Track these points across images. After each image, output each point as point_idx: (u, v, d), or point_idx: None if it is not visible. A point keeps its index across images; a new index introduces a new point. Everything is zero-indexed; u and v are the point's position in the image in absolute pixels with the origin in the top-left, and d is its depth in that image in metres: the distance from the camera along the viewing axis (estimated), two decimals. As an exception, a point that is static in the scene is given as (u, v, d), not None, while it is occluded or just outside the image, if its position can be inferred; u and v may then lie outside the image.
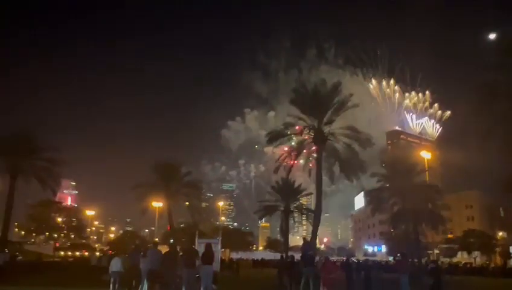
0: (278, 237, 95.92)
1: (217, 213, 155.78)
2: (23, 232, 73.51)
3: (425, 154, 52.33)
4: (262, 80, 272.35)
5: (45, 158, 35.83)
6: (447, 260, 62.50)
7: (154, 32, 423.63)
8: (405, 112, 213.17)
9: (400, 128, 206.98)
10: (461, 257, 66.95)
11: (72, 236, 67.77)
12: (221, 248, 32.40)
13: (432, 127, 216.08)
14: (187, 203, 46.11)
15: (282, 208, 49.62)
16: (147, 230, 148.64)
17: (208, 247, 14.04)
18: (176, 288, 13.80)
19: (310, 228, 35.02)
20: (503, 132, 23.33)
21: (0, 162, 34.11)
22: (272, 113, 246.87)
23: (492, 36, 33.51)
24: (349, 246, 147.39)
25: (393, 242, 65.33)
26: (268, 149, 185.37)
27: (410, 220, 40.28)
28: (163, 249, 15.30)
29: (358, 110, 36.06)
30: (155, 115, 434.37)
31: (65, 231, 64.05)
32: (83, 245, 76.54)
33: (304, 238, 27.21)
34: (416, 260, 38.44)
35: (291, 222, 51.60)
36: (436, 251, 72.60)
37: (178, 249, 17.30)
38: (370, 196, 47.45)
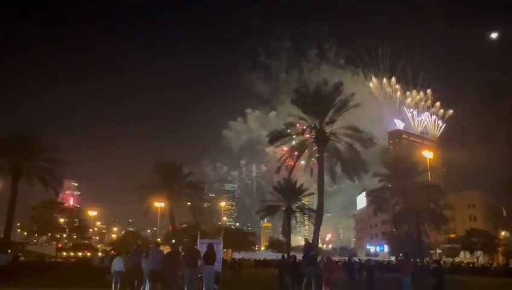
0: (280, 237, 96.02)
1: (218, 213, 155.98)
2: (25, 233, 73.60)
3: (427, 154, 52.25)
4: (264, 79, 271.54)
5: (47, 159, 35.87)
6: (449, 259, 62.41)
7: (155, 32, 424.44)
8: (406, 108, 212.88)
9: (401, 127, 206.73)
10: (464, 257, 66.81)
11: (75, 237, 67.79)
12: (223, 248, 32.41)
13: (434, 124, 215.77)
14: (189, 203, 46.11)
15: (284, 208, 49.61)
16: (149, 230, 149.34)
17: (210, 247, 14.06)
18: (177, 288, 13.79)
19: (312, 228, 34.95)
20: (505, 131, 23.29)
21: (2, 163, 34.21)
22: (273, 113, 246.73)
23: (493, 35, 33.44)
24: (351, 246, 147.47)
25: (396, 242, 65.17)
26: (270, 149, 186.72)
27: (413, 220, 40.14)
28: (165, 249, 15.30)
29: (360, 110, 36.06)
30: (156, 115, 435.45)
31: (67, 232, 64.07)
32: (85, 246, 76.62)
33: (306, 239, 27.22)
34: (418, 260, 38.35)
35: (293, 222, 51.58)
36: (439, 251, 72.54)
37: (180, 250, 17.30)
38: (372, 195, 47.42)
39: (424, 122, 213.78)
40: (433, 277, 16.77)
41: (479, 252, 63.33)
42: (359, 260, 43.97)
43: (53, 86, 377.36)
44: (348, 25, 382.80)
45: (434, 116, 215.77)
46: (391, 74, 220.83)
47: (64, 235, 65.46)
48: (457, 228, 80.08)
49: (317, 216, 32.77)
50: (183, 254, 14.81)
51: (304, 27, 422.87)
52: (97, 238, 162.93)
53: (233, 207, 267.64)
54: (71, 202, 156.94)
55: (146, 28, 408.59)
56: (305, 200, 57.73)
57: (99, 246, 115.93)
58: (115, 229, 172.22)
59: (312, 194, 50.15)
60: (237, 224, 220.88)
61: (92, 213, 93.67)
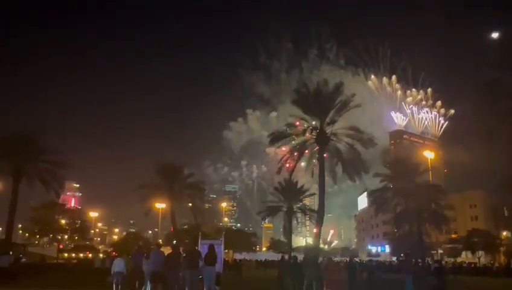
0: (281, 237, 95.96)
1: (220, 214, 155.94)
2: (27, 234, 73.80)
3: (429, 154, 52.27)
4: (264, 80, 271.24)
5: (48, 160, 35.86)
6: (451, 259, 62.26)
7: (154, 32, 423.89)
8: (406, 105, 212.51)
9: (402, 123, 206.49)
10: (465, 257, 66.68)
11: (76, 238, 67.89)
12: (225, 249, 32.35)
13: (435, 122, 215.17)
14: (190, 204, 46.14)
15: (285, 209, 49.63)
16: (150, 231, 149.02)
17: (211, 248, 14.06)
18: (178, 289, 13.81)
19: (313, 229, 34.95)
20: (506, 131, 23.23)
21: (3, 165, 34.20)
22: (274, 114, 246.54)
23: (494, 35, 33.34)
24: (353, 246, 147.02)
25: (397, 242, 65.05)
26: (271, 150, 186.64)
27: (414, 220, 40.15)
28: (167, 250, 15.29)
29: (361, 110, 35.99)
30: (156, 115, 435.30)
31: (69, 233, 64.14)
32: (87, 247, 76.73)
33: (307, 242, 27.21)
34: (420, 260, 38.22)
35: (294, 222, 51.56)
36: (440, 251, 72.32)
37: (181, 251, 17.29)
38: (373, 196, 47.42)
39: (425, 121, 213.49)
40: (435, 277, 16.75)
41: (481, 252, 63.21)
42: (360, 260, 43.98)
43: (53, 86, 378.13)
44: (348, 25, 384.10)
45: (435, 113, 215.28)
46: (391, 73, 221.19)
47: (66, 237, 65.55)
48: (459, 228, 80.00)
49: (318, 217, 32.73)
50: (184, 255, 14.81)
51: (304, 27, 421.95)
52: (98, 239, 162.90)
53: (234, 208, 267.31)
54: (72, 203, 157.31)
55: (146, 28, 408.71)
56: (306, 201, 57.90)
57: (100, 247, 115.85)
58: (116, 230, 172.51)
59: (313, 194, 50.19)
60: (238, 225, 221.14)
61: (93, 214, 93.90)
